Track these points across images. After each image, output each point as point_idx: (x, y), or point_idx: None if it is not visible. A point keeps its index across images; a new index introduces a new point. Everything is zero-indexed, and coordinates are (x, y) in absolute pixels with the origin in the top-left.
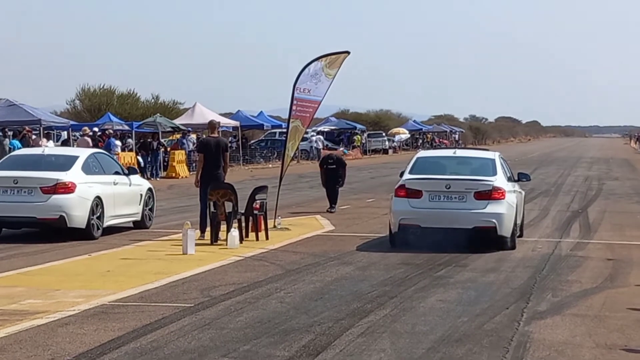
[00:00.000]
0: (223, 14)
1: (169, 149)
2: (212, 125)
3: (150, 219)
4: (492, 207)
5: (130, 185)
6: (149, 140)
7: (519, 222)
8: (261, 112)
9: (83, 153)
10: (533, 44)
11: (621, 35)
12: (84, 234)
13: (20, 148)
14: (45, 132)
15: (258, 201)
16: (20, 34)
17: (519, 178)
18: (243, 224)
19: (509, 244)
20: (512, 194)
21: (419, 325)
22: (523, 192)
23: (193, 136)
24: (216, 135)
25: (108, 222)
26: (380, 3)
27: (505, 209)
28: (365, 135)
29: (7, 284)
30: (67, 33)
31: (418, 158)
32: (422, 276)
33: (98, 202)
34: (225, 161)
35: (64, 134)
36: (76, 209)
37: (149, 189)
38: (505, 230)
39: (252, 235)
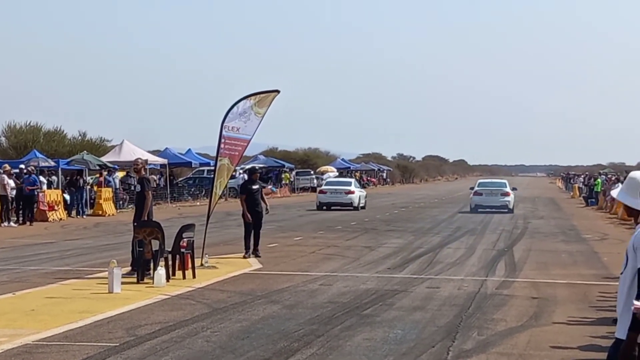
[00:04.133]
0: (150, 51)
1: (95, 186)
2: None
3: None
4: (506, 198)
5: None
6: (75, 177)
7: (515, 204)
8: (189, 149)
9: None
10: (459, 83)
11: (544, 75)
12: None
13: None
14: None
15: (185, 239)
16: None
17: (514, 188)
18: (170, 262)
19: (512, 211)
20: (513, 194)
21: None
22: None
23: (119, 174)
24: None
25: None
26: (308, 41)
27: (511, 199)
28: (294, 173)
29: None
30: None
31: (479, 181)
32: (349, 315)
33: None
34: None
35: None
36: (511, 203)
37: None
38: (511, 207)
39: (179, 273)
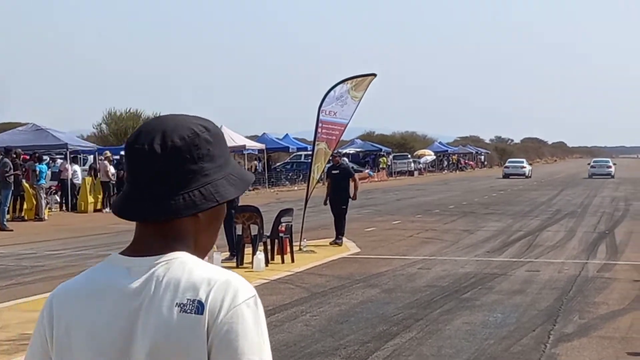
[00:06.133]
0: (249, 37)
1: None
2: None
3: None
4: (610, 169)
5: None
6: None
7: (615, 175)
8: (287, 134)
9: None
10: (557, 65)
11: None
12: None
13: (46, 172)
14: (72, 156)
15: (284, 224)
16: (45, 58)
17: (614, 163)
18: (269, 247)
19: (614, 177)
20: (614, 167)
21: (445, 348)
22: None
23: None
24: None
25: None
26: (405, 26)
27: (613, 170)
28: (391, 157)
29: (33, 308)
30: (94, 57)
31: (593, 160)
32: (448, 298)
33: None
34: None
35: (91, 158)
36: (613, 172)
37: None
38: (613, 174)
39: (277, 258)
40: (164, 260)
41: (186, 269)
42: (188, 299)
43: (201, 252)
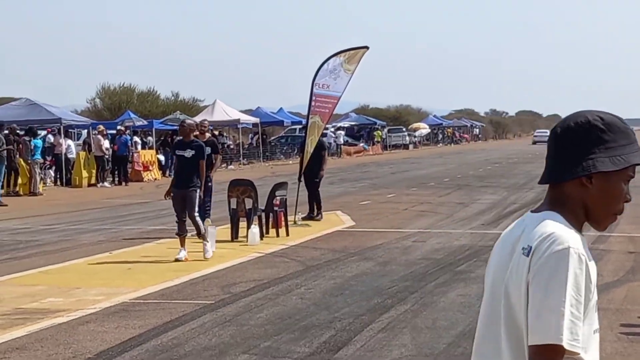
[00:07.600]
0: (242, 11)
1: None
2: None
3: None
4: None
5: None
6: (171, 137)
7: None
8: (281, 108)
9: None
10: (555, 37)
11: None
12: None
13: (41, 147)
14: (66, 130)
15: (278, 197)
16: (42, 33)
17: None
18: (263, 221)
19: None
20: None
21: (440, 320)
22: None
23: (207, 134)
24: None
25: None
26: None
27: None
28: (386, 130)
29: (28, 282)
30: (88, 32)
31: None
32: (443, 271)
33: None
34: None
35: (84, 133)
36: None
37: None
38: None
39: (272, 231)
40: (536, 217)
41: (542, 223)
42: (528, 245)
43: (595, 222)
